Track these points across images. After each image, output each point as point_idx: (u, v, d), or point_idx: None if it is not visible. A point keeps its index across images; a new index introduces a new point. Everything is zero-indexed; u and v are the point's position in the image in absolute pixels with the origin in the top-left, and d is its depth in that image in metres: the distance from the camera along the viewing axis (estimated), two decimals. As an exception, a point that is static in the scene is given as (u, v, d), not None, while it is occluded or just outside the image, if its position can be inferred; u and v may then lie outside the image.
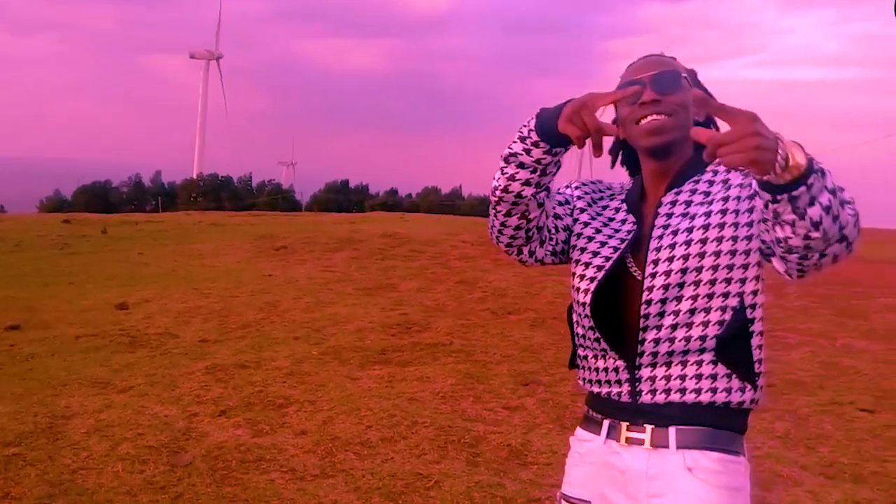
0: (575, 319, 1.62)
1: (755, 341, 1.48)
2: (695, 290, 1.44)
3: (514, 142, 1.47)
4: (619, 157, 1.71)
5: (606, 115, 1.63)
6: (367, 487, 3.60)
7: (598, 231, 1.60)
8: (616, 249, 1.55)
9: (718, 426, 1.46)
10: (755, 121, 1.15)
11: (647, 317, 1.47)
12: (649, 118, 1.48)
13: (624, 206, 1.62)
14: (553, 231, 1.61)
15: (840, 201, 1.23)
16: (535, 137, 1.43)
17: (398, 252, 12.97)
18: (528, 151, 1.45)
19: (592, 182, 1.71)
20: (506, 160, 1.48)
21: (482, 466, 3.87)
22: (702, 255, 1.44)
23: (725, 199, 1.46)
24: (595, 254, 1.57)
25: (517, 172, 1.47)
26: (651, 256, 1.49)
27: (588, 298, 1.53)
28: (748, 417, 1.52)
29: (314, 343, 6.58)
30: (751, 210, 1.44)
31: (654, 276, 1.47)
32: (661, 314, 1.46)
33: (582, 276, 1.56)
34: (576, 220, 1.63)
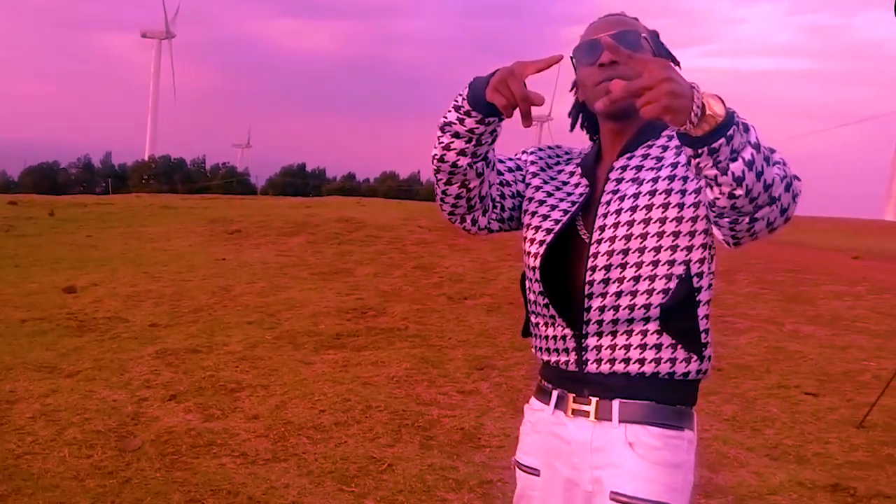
0: (527, 286, 1.60)
1: (701, 311, 1.45)
2: (639, 256, 1.42)
3: (449, 111, 1.44)
4: (579, 120, 1.66)
5: (567, 76, 1.63)
6: (319, 471, 3.58)
7: (549, 195, 1.58)
8: (566, 213, 1.52)
9: (662, 400, 1.45)
10: (667, 68, 1.14)
11: (591, 283, 1.45)
12: (604, 82, 1.43)
13: (578, 171, 1.60)
14: (498, 198, 1.59)
15: (765, 158, 1.21)
16: (467, 107, 1.40)
17: (355, 237, 12.90)
18: (461, 121, 1.42)
19: (550, 147, 1.68)
20: (441, 129, 1.46)
21: (435, 449, 3.88)
22: (647, 221, 1.41)
23: (675, 166, 1.44)
24: (545, 217, 1.54)
25: (452, 142, 1.45)
26: (598, 222, 1.47)
27: (537, 262, 1.51)
28: (696, 389, 1.50)
29: (268, 328, 6.51)
30: (684, 192, 1.43)
31: (599, 241, 1.45)
32: (606, 281, 1.44)
33: (532, 241, 1.54)
34: (528, 185, 1.61)
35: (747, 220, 1.26)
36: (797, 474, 3.69)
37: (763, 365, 5.74)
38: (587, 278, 1.46)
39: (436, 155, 1.48)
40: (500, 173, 1.59)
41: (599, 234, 1.45)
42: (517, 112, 1.33)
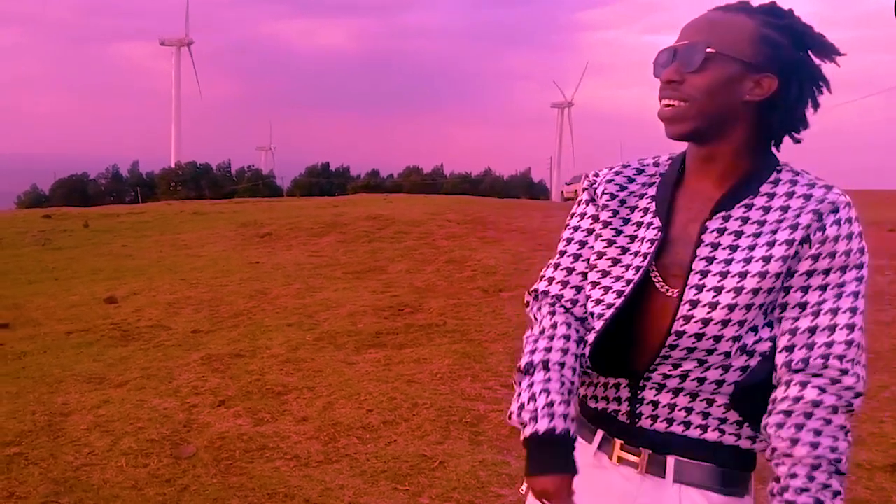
0: None
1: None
2: (731, 345, 1.25)
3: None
4: None
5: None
6: (372, 471, 3.61)
7: (623, 251, 1.38)
8: (637, 269, 1.34)
9: (724, 464, 1.31)
10: None
11: (672, 347, 1.28)
12: (664, 102, 1.29)
13: (652, 208, 1.37)
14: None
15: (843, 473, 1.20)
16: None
17: (384, 234, 12.94)
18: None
19: (622, 169, 1.44)
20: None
21: (485, 445, 3.89)
22: (748, 308, 1.24)
23: (771, 244, 1.25)
24: (617, 278, 1.36)
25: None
26: (689, 294, 1.27)
27: (599, 325, 1.35)
28: (755, 456, 1.36)
29: (307, 329, 6.57)
30: (785, 261, 1.25)
31: (687, 319, 1.26)
32: (692, 349, 1.27)
33: (596, 302, 1.37)
34: (598, 236, 1.41)
35: None
36: (854, 456, 3.61)
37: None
38: (669, 342, 1.28)
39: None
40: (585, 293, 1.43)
41: (689, 310, 1.26)
42: None
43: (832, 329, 1.21)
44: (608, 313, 1.34)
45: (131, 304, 7.92)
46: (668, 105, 1.28)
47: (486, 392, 4.72)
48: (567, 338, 1.38)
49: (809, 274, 1.23)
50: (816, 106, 1.29)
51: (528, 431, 1.31)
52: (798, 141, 1.32)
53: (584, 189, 1.48)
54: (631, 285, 1.33)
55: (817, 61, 1.28)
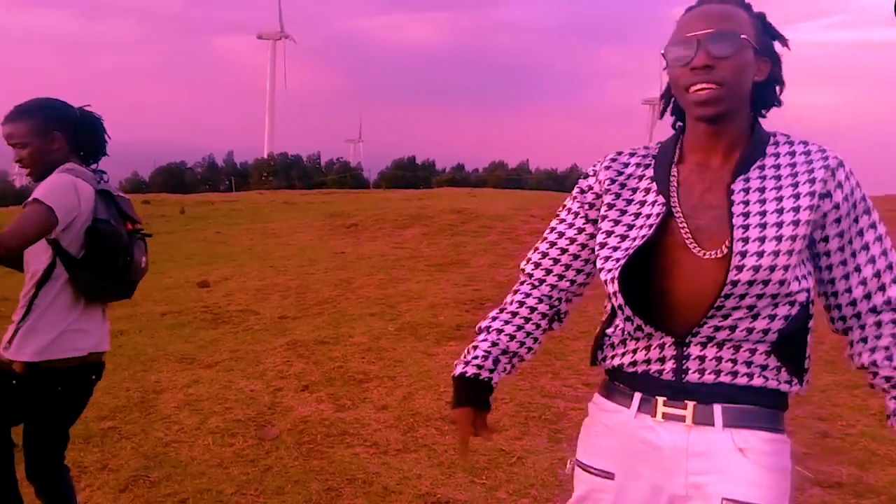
0: (608, 303, 1.54)
1: (810, 338, 1.46)
2: (778, 288, 1.36)
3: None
4: (670, 107, 1.58)
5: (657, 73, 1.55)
6: (449, 462, 3.62)
7: (629, 227, 1.50)
8: (635, 239, 1.46)
9: (765, 404, 1.43)
10: None
11: (720, 307, 1.38)
12: (699, 86, 1.38)
13: (654, 187, 1.50)
14: (570, 294, 1.67)
15: None
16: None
17: (468, 228, 12.96)
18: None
19: (617, 156, 1.57)
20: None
21: (564, 443, 3.84)
22: (790, 253, 1.36)
23: (797, 196, 1.40)
24: (615, 248, 1.49)
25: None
26: (738, 247, 1.37)
27: (621, 300, 1.45)
28: (788, 398, 1.49)
29: (389, 319, 6.64)
30: (811, 214, 1.40)
31: (740, 268, 1.35)
32: (737, 307, 1.38)
33: (602, 270, 1.48)
34: (604, 218, 1.53)
35: None
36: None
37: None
38: (718, 302, 1.37)
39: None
40: (573, 281, 1.63)
41: (741, 260, 1.36)
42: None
43: (891, 267, 1.45)
44: (619, 264, 1.45)
45: (222, 288, 8.19)
46: (705, 89, 1.38)
47: (566, 390, 4.67)
48: (514, 314, 1.64)
49: (842, 223, 1.43)
50: (783, 85, 1.50)
51: (455, 373, 1.64)
52: (764, 116, 1.51)
53: (577, 185, 1.64)
54: (644, 238, 1.45)
55: (779, 49, 1.50)
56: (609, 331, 1.54)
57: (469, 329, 6.20)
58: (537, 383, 4.77)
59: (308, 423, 4.08)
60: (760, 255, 1.36)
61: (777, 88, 1.50)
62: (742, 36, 1.37)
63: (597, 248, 1.54)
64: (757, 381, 1.42)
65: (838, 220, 1.42)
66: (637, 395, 1.49)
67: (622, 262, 1.45)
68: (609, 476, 1.51)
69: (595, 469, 1.54)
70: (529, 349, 1.66)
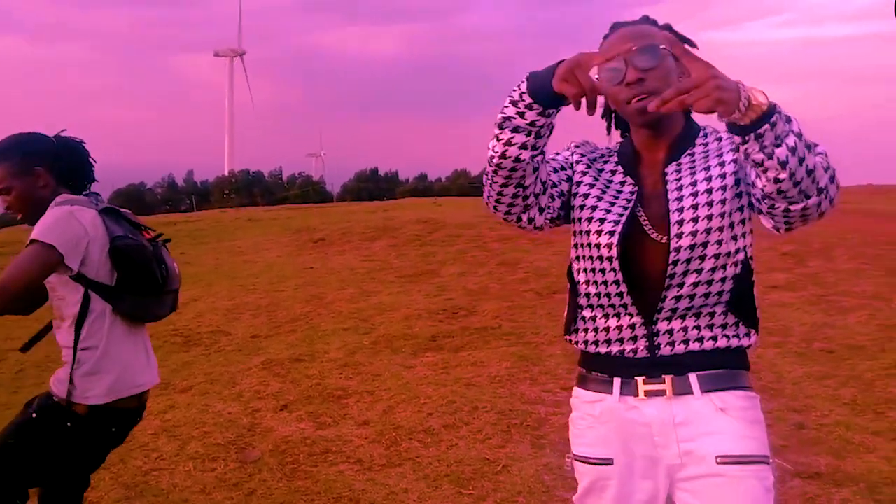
0: (584, 279, 1.63)
1: (755, 291, 1.61)
2: (717, 248, 1.53)
3: (507, 106, 1.49)
4: (613, 122, 1.75)
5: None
6: (435, 475, 3.61)
7: (603, 191, 1.64)
8: (625, 208, 1.60)
9: (732, 366, 1.59)
10: (712, 67, 1.28)
11: (672, 276, 1.53)
12: (635, 99, 1.51)
13: (620, 169, 1.67)
14: (550, 199, 1.64)
15: (807, 146, 1.33)
16: (527, 100, 1.45)
17: (435, 237, 12.96)
18: (521, 114, 1.47)
19: (584, 143, 1.75)
20: (500, 126, 1.50)
21: (548, 449, 3.86)
22: (722, 215, 1.52)
23: (722, 164, 1.56)
24: (607, 211, 1.60)
25: (513, 137, 1.49)
26: (674, 217, 1.53)
27: (615, 253, 1.56)
28: (747, 355, 1.64)
29: (364, 333, 6.61)
30: (737, 172, 1.55)
31: (679, 236, 1.52)
32: (686, 272, 1.53)
33: (599, 232, 1.59)
34: (578, 183, 1.67)
35: (799, 207, 1.39)
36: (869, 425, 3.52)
37: (877, 344, 5.50)
38: (669, 271, 1.53)
39: (496, 153, 1.52)
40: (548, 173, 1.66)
41: (679, 229, 1.52)
42: (583, 101, 1.39)
43: None
44: (615, 240, 1.56)
45: (191, 309, 8.08)
46: (642, 100, 1.49)
47: (545, 395, 4.69)
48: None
49: None
50: None
51: (518, 92, 1.48)
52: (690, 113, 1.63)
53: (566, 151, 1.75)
54: (623, 217, 1.58)
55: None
56: (581, 301, 1.66)
57: (445, 339, 6.22)
58: (517, 390, 4.79)
59: (289, 444, 4.05)
60: (696, 220, 1.52)
61: None
62: (661, 46, 1.49)
63: (577, 199, 1.66)
64: (722, 343, 1.57)
65: None
66: (617, 381, 1.61)
67: (622, 222, 1.57)
68: (608, 462, 1.61)
69: (594, 459, 1.63)
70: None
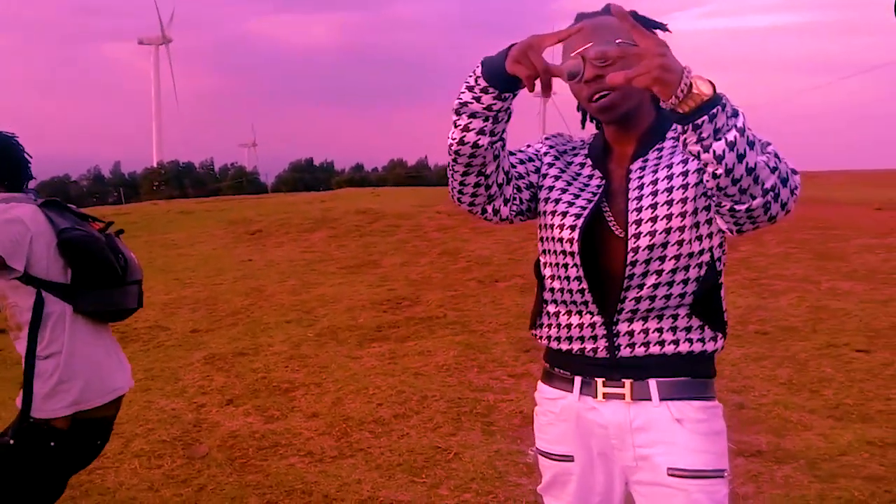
0: (549, 273, 1.60)
1: (722, 292, 1.55)
2: (678, 248, 1.47)
3: (463, 92, 1.46)
4: (587, 116, 1.70)
5: (555, 59, 1.63)
6: (387, 465, 3.61)
7: (568, 184, 1.61)
8: (590, 201, 1.56)
9: (695, 374, 1.53)
10: (661, 45, 1.24)
11: (631, 276, 1.49)
12: (596, 95, 1.49)
13: (589, 162, 1.64)
14: (515, 191, 1.61)
15: (750, 143, 1.26)
16: (483, 84, 1.42)
17: (375, 228, 12.91)
18: (477, 99, 1.44)
19: (556, 135, 1.72)
20: (457, 112, 1.47)
21: (498, 435, 3.90)
22: (682, 215, 1.47)
23: (685, 161, 1.50)
24: (570, 204, 1.57)
25: (470, 122, 1.46)
26: (632, 216, 1.49)
27: (575, 247, 1.52)
28: (714, 362, 1.59)
29: (307, 325, 6.55)
30: (700, 170, 1.47)
31: (637, 236, 1.48)
32: (645, 273, 1.48)
33: (562, 226, 1.55)
34: (544, 175, 1.64)
35: (743, 208, 1.32)
36: (864, 433, 3.68)
37: (808, 325, 5.72)
38: (627, 272, 1.48)
39: (455, 139, 1.49)
40: (513, 165, 1.62)
41: (637, 228, 1.48)
42: (537, 84, 1.35)
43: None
44: (576, 235, 1.52)
45: (127, 305, 7.85)
46: (602, 97, 1.49)
47: (493, 382, 4.73)
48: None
49: None
50: None
51: (474, 77, 1.44)
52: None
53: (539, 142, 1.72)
54: (587, 210, 1.54)
55: (661, 34, 1.53)
56: (546, 296, 1.62)
57: (390, 329, 6.20)
58: (465, 378, 4.82)
59: (238, 438, 3.98)
60: (654, 220, 1.47)
61: None
62: (617, 41, 1.47)
63: (543, 192, 1.62)
64: (684, 347, 1.52)
65: None
66: (577, 379, 1.58)
67: (584, 216, 1.53)
68: (569, 459, 1.61)
69: (555, 455, 1.63)
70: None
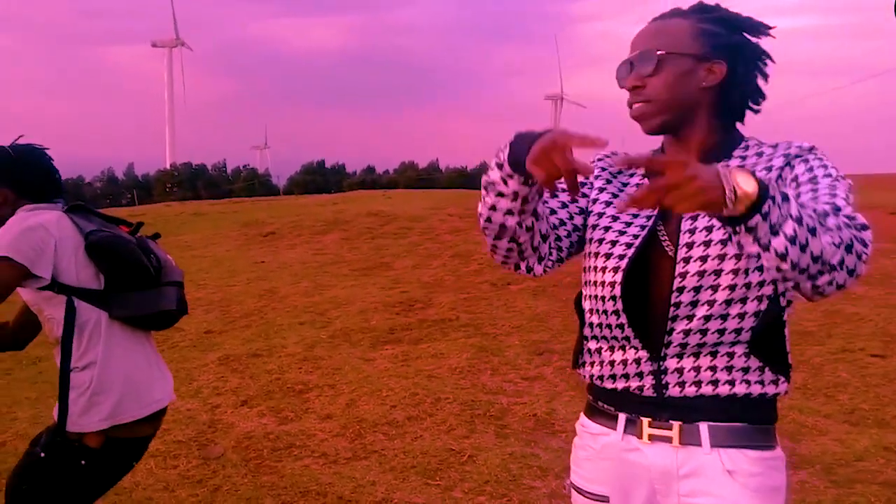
0: (589, 307, 1.48)
1: (787, 331, 1.39)
2: (733, 278, 1.32)
3: (492, 168, 1.34)
4: None
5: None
6: (401, 467, 3.61)
7: (619, 212, 1.48)
8: (643, 227, 1.42)
9: (754, 420, 1.37)
10: (687, 165, 1.09)
11: (678, 305, 1.35)
12: (633, 106, 1.42)
13: (647, 181, 1.48)
14: (554, 245, 1.49)
15: (811, 229, 1.12)
16: (508, 169, 1.30)
17: (387, 230, 12.93)
18: (504, 181, 1.32)
19: (610, 154, 1.56)
20: (485, 188, 1.37)
21: (512, 438, 3.90)
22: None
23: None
24: (621, 233, 1.44)
25: (497, 202, 1.35)
26: (684, 238, 1.36)
27: (619, 277, 1.39)
28: (776, 406, 1.42)
29: (320, 327, 6.57)
30: None
31: (688, 260, 1.34)
32: (695, 303, 1.34)
33: (608, 255, 1.42)
34: (594, 201, 1.50)
35: (809, 284, 1.18)
36: (880, 439, 3.67)
37: (823, 329, 5.69)
38: (673, 300, 1.35)
39: (482, 214, 1.40)
40: (553, 211, 1.50)
41: (687, 252, 1.35)
42: (563, 181, 1.21)
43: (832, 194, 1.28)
44: (623, 264, 1.40)
45: (141, 306, 7.90)
46: (636, 107, 1.42)
47: (507, 385, 4.73)
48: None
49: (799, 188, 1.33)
50: (765, 76, 1.45)
51: (501, 156, 1.31)
52: (758, 111, 1.45)
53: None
54: (639, 239, 1.41)
55: (754, 40, 1.44)
56: (587, 332, 1.50)
57: (403, 332, 6.22)
58: (478, 381, 4.82)
59: (252, 439, 4.00)
60: (708, 243, 1.33)
61: (745, 85, 1.42)
62: (658, 52, 1.38)
63: (591, 218, 1.49)
64: (740, 389, 1.36)
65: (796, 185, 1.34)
66: (622, 416, 1.45)
67: (630, 254, 1.40)
68: (604, 500, 1.50)
69: (590, 493, 1.52)
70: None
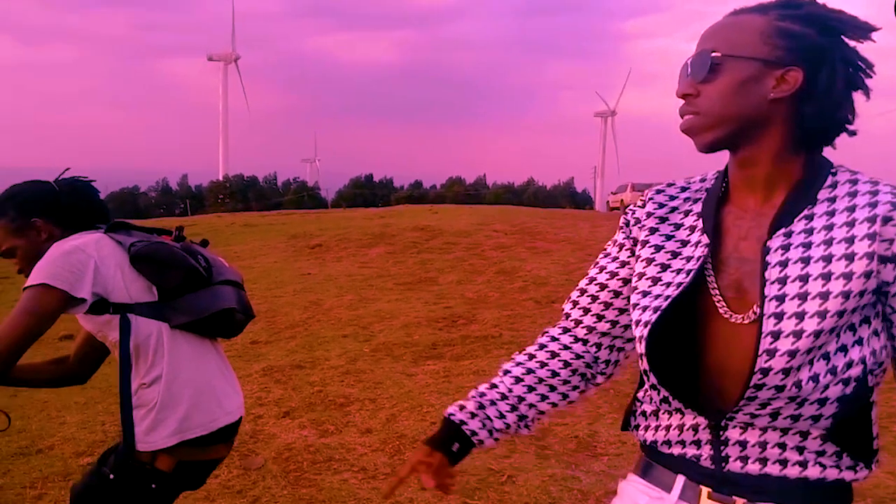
0: (643, 367, 1.30)
1: (874, 413, 1.17)
2: (826, 362, 1.10)
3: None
4: None
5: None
6: (440, 484, 3.59)
7: (664, 268, 1.26)
8: (679, 285, 1.21)
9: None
10: None
11: (759, 387, 1.11)
12: (684, 117, 1.21)
13: (699, 224, 1.25)
14: (610, 357, 1.45)
15: None
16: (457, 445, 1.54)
17: (433, 245, 12.96)
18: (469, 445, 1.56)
19: (668, 187, 1.34)
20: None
21: (553, 459, 3.85)
22: (840, 314, 1.08)
23: (850, 240, 1.10)
24: (656, 297, 1.24)
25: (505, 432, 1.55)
26: (770, 308, 1.11)
27: (643, 348, 1.21)
28: (852, 490, 1.23)
29: (364, 340, 6.60)
30: (870, 261, 1.09)
31: (776, 335, 1.10)
32: (781, 388, 1.10)
33: (637, 322, 1.24)
34: (639, 258, 1.30)
35: None
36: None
37: (878, 358, 5.51)
38: (755, 381, 1.11)
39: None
40: (598, 318, 1.39)
41: (776, 324, 1.10)
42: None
43: None
44: (653, 318, 1.20)
45: (189, 315, 8.04)
46: (684, 118, 1.20)
47: (548, 405, 4.68)
48: (532, 356, 1.48)
49: None
50: (864, 89, 1.16)
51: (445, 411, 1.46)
52: (853, 133, 1.18)
53: (623, 215, 1.40)
54: (680, 287, 1.20)
55: (851, 43, 1.16)
56: (640, 395, 1.35)
57: (445, 347, 6.20)
58: (519, 400, 4.78)
59: (293, 451, 4.03)
60: (798, 335, 1.09)
61: (827, 99, 1.14)
62: (713, 54, 1.15)
63: (634, 279, 1.30)
64: (813, 472, 1.15)
65: None
66: (680, 479, 1.26)
67: (654, 318, 1.20)
68: None
69: None
70: (539, 408, 1.51)
